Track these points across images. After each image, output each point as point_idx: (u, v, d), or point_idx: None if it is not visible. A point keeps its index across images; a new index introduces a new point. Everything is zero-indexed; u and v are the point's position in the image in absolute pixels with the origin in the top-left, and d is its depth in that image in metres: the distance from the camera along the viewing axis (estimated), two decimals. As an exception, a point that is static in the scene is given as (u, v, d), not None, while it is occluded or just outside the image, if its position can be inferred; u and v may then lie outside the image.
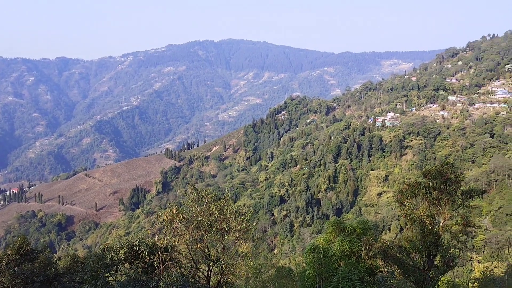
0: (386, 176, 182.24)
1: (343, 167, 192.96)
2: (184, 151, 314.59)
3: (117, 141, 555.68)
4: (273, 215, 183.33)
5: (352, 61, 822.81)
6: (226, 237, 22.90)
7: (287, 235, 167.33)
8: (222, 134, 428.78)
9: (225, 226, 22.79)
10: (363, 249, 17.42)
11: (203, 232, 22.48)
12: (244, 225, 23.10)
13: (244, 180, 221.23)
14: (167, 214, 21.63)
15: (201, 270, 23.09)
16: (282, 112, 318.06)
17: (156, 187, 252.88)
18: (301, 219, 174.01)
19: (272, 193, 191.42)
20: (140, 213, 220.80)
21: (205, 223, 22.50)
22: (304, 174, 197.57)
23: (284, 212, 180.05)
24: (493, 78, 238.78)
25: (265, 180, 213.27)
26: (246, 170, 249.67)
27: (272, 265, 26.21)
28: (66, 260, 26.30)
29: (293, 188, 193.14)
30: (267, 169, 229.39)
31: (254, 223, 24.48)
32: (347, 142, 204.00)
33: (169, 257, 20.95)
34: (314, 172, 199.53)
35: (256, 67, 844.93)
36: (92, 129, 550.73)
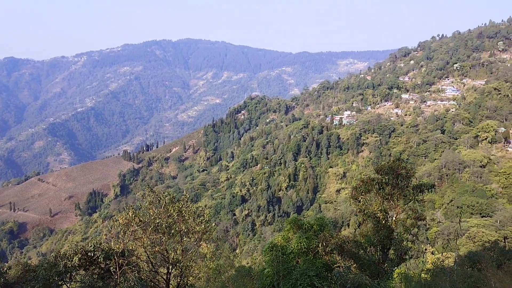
0: (344, 173, 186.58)
1: (302, 165, 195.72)
2: (142, 152, 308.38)
3: (71, 144, 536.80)
4: (234, 215, 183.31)
5: (310, 61, 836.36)
6: (185, 239, 22.64)
7: (249, 234, 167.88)
8: (182, 135, 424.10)
9: (183, 228, 22.55)
10: (320, 246, 17.74)
11: (161, 235, 22.13)
12: (203, 226, 22.92)
13: (205, 181, 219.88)
14: (123, 218, 21.14)
15: (160, 273, 22.75)
16: (242, 111, 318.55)
17: (114, 191, 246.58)
18: (262, 218, 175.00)
19: (234, 193, 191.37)
20: (97, 217, 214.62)
21: (163, 225, 22.16)
22: (265, 173, 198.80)
23: (246, 212, 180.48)
24: (442, 77, 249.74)
25: (226, 180, 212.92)
26: (206, 170, 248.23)
27: (232, 265, 26.19)
28: (17, 269, 25.12)
29: (254, 187, 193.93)
30: (228, 169, 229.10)
31: (214, 224, 24.36)
32: (306, 141, 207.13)
33: (126, 261, 20.49)
34: (275, 171, 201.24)
35: (215, 67, 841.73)
36: (44, 132, 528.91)
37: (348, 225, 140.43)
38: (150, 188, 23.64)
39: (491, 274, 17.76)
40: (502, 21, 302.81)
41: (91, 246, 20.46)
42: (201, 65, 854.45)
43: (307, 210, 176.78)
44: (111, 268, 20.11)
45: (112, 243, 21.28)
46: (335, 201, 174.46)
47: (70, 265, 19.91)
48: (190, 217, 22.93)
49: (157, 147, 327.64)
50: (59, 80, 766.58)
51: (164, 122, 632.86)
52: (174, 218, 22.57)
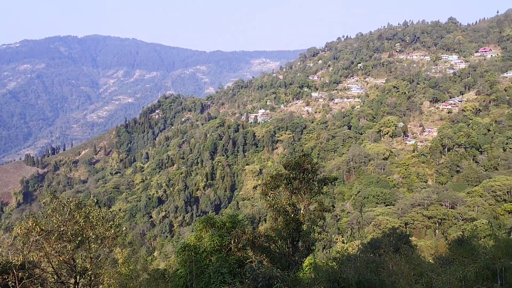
0: (260, 169, 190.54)
1: (220, 164, 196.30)
2: (48, 156, 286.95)
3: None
4: (151, 217, 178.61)
5: (224, 60, 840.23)
6: (93, 246, 21.55)
7: (166, 236, 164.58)
8: (92, 136, 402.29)
9: (91, 234, 21.43)
10: (232, 242, 18.01)
11: (66, 243, 20.83)
12: (113, 231, 21.98)
13: (118, 184, 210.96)
14: (21, 228, 19.54)
15: (66, 284, 21.42)
16: (156, 111, 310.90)
17: (16, 199, 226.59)
18: (180, 219, 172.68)
19: (149, 194, 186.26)
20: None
21: (69, 233, 20.87)
22: (181, 173, 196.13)
23: (163, 213, 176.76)
24: (348, 76, 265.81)
25: (141, 182, 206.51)
26: (120, 173, 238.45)
27: (146, 269, 25.52)
28: None
29: (171, 188, 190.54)
30: (143, 171, 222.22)
31: (125, 228, 23.52)
32: (223, 139, 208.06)
33: (27, 274, 18.98)
34: (192, 171, 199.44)
35: (126, 65, 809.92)
36: None
37: (265, 220, 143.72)
38: (53, 195, 22.11)
39: (389, 258, 19.38)
40: (399, 24, 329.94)
41: (-16, 260, 18.60)
42: (111, 63, 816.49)
43: (225, 208, 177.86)
44: (9, 282, 18.49)
45: (10, 256, 19.57)
46: (252, 197, 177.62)
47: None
48: (99, 223, 21.86)
49: (64, 150, 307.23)
50: None
51: (72, 123, 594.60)
52: (81, 225, 21.37)
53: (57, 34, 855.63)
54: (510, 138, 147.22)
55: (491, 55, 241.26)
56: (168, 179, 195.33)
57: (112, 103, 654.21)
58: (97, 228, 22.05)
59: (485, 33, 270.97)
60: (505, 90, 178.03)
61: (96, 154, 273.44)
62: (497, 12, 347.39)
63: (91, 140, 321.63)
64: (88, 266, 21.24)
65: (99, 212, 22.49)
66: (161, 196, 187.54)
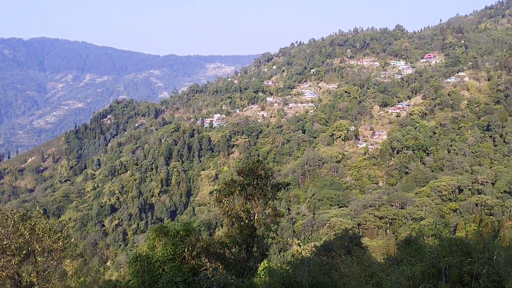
0: (216, 175, 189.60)
1: (175, 169, 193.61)
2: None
3: None
4: (103, 226, 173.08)
5: (178, 64, 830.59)
6: (39, 259, 20.62)
7: (120, 245, 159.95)
8: (39, 143, 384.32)
9: (37, 247, 20.51)
10: (186, 251, 17.82)
11: (10, 257, 19.81)
12: (61, 243, 21.15)
13: (68, 192, 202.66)
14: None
15: (11, 300, 20.36)
16: (108, 116, 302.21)
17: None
18: (134, 227, 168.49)
19: (102, 202, 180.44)
20: None
21: (13, 246, 19.86)
22: (135, 180, 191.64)
23: (116, 221, 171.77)
24: (302, 81, 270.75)
25: (93, 189, 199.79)
26: (70, 180, 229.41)
27: (96, 281, 24.73)
28: None
29: (125, 195, 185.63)
30: (95, 178, 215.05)
31: (74, 239, 22.68)
32: (178, 144, 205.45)
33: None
34: (146, 177, 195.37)
35: (76, 68, 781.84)
36: None
37: (222, 226, 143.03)
38: (-5, 207, 21.00)
39: (340, 260, 19.91)
40: (349, 30, 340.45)
41: None
42: (60, 66, 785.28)
43: (181, 214, 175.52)
44: None
45: None
46: (208, 203, 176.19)
47: None
48: (46, 235, 20.97)
49: (9, 157, 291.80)
50: None
51: (17, 130, 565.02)
52: (26, 238, 20.41)
53: (1, 37, 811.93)
54: (454, 140, 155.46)
55: (436, 61, 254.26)
56: (121, 186, 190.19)
57: (61, 108, 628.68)
58: (44, 241, 21.15)
59: (430, 40, 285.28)
60: (449, 95, 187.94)
61: (44, 162, 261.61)
62: (440, 20, 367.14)
63: (38, 147, 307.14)
64: (34, 280, 20.32)
65: (46, 223, 21.59)
66: (114, 203, 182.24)
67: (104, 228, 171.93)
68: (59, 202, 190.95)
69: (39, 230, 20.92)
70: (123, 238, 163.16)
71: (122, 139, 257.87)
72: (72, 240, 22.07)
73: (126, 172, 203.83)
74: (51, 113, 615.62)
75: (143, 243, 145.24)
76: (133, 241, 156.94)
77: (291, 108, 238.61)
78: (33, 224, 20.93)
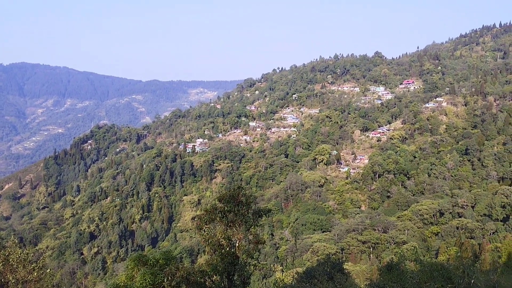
0: (199, 200, 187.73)
1: (156, 195, 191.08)
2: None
3: None
4: (82, 254, 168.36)
5: (161, 89, 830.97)
6: (13, 291, 19.90)
7: (99, 274, 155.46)
8: (17, 169, 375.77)
9: (11, 278, 19.81)
10: (165, 280, 17.42)
11: (-19, 290, 19.07)
12: (36, 273, 20.48)
13: (46, 219, 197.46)
14: None
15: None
16: (89, 141, 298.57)
17: None
18: (114, 254, 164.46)
19: (81, 230, 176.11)
20: None
21: (-16, 278, 19.15)
22: (116, 206, 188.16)
23: (95, 249, 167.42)
24: (284, 106, 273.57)
25: (72, 216, 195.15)
26: (48, 207, 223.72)
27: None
28: None
29: (105, 222, 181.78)
30: (74, 204, 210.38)
31: (49, 270, 21.97)
32: (160, 170, 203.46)
33: None
34: (127, 203, 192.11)
35: (57, 93, 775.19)
36: None
37: (204, 252, 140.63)
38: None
39: (323, 287, 19.73)
40: (330, 57, 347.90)
41: None
42: (40, 91, 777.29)
43: (163, 241, 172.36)
44: None
45: None
46: (190, 229, 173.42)
47: None
48: (20, 265, 20.31)
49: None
50: None
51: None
52: (0, 268, 19.72)
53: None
54: (433, 164, 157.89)
55: (414, 87, 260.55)
56: (101, 212, 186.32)
57: (41, 134, 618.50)
58: (18, 271, 20.47)
59: (408, 66, 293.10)
60: (428, 120, 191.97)
61: (21, 188, 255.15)
62: (418, 47, 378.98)
63: (15, 173, 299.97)
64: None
65: (21, 253, 20.95)
66: (94, 231, 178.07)
67: (82, 256, 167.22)
68: (36, 230, 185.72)
69: (13, 261, 20.27)
70: (102, 266, 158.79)
71: (102, 164, 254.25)
72: (48, 270, 21.39)
73: (107, 198, 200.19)
74: (30, 138, 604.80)
75: (122, 272, 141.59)
76: (113, 270, 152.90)
77: (273, 132, 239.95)
78: (6, 254, 20.28)
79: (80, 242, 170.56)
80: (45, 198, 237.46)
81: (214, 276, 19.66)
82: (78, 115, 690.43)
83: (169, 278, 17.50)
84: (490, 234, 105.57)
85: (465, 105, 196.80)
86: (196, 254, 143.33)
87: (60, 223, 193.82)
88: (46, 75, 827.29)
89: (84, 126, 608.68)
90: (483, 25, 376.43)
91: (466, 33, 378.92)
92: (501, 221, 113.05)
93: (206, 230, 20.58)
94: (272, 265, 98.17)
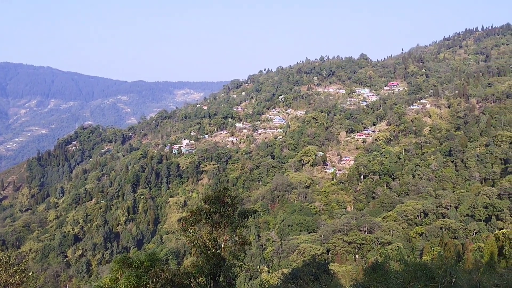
0: (185, 201, 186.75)
1: (142, 197, 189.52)
2: None
3: None
4: (66, 256, 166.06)
5: (146, 90, 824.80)
6: (-6, 295, 19.56)
7: (83, 277, 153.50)
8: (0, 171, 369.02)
9: (-8, 282, 19.47)
10: (150, 282, 17.30)
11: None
12: (18, 276, 20.16)
13: (29, 221, 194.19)
14: None
15: None
16: (73, 142, 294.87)
17: None
18: (99, 256, 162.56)
19: (65, 232, 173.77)
20: None
21: (-35, 282, 18.79)
22: (100, 208, 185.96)
23: (80, 251, 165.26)
24: (270, 107, 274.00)
25: (56, 218, 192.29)
26: (31, 209, 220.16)
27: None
28: None
29: (89, 224, 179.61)
30: (58, 206, 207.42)
31: (32, 273, 21.63)
32: (146, 171, 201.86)
33: None
34: (112, 205, 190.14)
35: (40, 94, 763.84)
36: None
37: (190, 254, 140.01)
38: None
39: (309, 287, 19.81)
40: (316, 59, 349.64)
41: None
42: (23, 92, 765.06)
43: (148, 243, 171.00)
44: None
45: None
46: (176, 231, 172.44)
47: None
48: (1, 269, 19.97)
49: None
50: None
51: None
52: (-20, 272, 19.36)
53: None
54: (418, 165, 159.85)
55: (399, 89, 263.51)
56: (85, 214, 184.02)
57: (23, 135, 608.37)
58: (0, 275, 20.11)
59: (393, 69, 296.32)
60: (412, 121, 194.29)
61: (3, 190, 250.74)
62: (402, 50, 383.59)
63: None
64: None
65: (2, 256, 20.60)
66: (78, 233, 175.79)
67: (66, 259, 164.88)
68: (19, 233, 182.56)
69: (-6, 264, 19.93)
70: (87, 269, 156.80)
71: (87, 166, 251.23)
72: (30, 273, 21.07)
73: (91, 200, 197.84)
74: (12, 139, 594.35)
75: (107, 274, 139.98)
76: (98, 272, 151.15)
77: (260, 134, 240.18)
78: (-12, 257, 19.93)
79: (64, 245, 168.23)
80: (28, 200, 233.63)
81: (200, 277, 19.59)
82: (62, 116, 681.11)
83: (154, 280, 17.39)
84: (473, 234, 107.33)
85: (449, 107, 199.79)
86: (182, 256, 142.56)
87: (44, 225, 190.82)
88: (29, 75, 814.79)
89: (68, 127, 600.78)
90: (466, 29, 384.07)
91: (449, 36, 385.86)
92: (483, 221, 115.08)
93: (191, 231, 20.48)
94: (258, 266, 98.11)
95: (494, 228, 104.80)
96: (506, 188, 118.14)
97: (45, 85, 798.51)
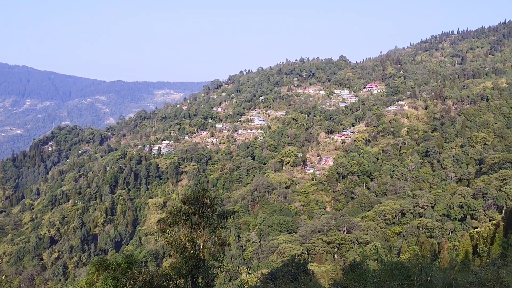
0: (164, 202, 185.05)
1: (121, 198, 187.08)
2: None
3: None
4: (42, 259, 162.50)
5: (125, 90, 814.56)
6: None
7: (60, 280, 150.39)
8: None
9: (-38, 286, 18.89)
10: (127, 285, 17.07)
11: None
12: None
13: (3, 224, 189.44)
14: None
15: None
16: (50, 143, 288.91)
17: None
18: (76, 259, 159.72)
19: (40, 234, 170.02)
20: None
21: None
22: (78, 210, 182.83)
23: (56, 254, 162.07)
24: (251, 108, 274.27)
25: (31, 220, 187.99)
26: (5, 212, 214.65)
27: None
28: None
29: (66, 226, 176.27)
30: (33, 208, 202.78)
31: (5, 276, 21.06)
32: (124, 172, 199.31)
33: None
34: (90, 206, 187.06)
35: (15, 93, 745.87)
36: None
37: (170, 255, 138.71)
38: None
39: (288, 287, 19.88)
40: (296, 60, 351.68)
41: None
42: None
43: (127, 245, 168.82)
44: None
45: None
46: (155, 232, 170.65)
47: None
48: (-28, 273, 19.37)
49: None
50: None
51: None
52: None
53: None
54: (396, 166, 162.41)
55: (377, 91, 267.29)
56: (62, 216, 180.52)
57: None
58: (-30, 279, 19.51)
59: (371, 70, 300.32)
60: (390, 122, 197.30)
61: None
62: (380, 52, 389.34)
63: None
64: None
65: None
66: (54, 235, 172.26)
67: (42, 262, 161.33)
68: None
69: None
70: (63, 272, 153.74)
71: (64, 167, 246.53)
72: (4, 277, 20.51)
73: (68, 201, 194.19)
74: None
75: (83, 277, 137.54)
76: (74, 275, 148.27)
77: (240, 134, 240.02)
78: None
79: (39, 247, 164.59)
80: (2, 202, 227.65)
81: (178, 279, 19.43)
82: (38, 116, 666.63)
83: (131, 283, 17.17)
84: (449, 233, 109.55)
85: (426, 108, 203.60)
86: (162, 258, 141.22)
87: (19, 228, 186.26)
88: (4, 74, 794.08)
89: (44, 127, 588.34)
90: (442, 32, 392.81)
91: (426, 39, 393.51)
92: (459, 220, 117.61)
93: (170, 232, 20.29)
94: (238, 267, 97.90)
95: (469, 227, 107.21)
96: (480, 188, 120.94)
97: (21, 84, 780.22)
